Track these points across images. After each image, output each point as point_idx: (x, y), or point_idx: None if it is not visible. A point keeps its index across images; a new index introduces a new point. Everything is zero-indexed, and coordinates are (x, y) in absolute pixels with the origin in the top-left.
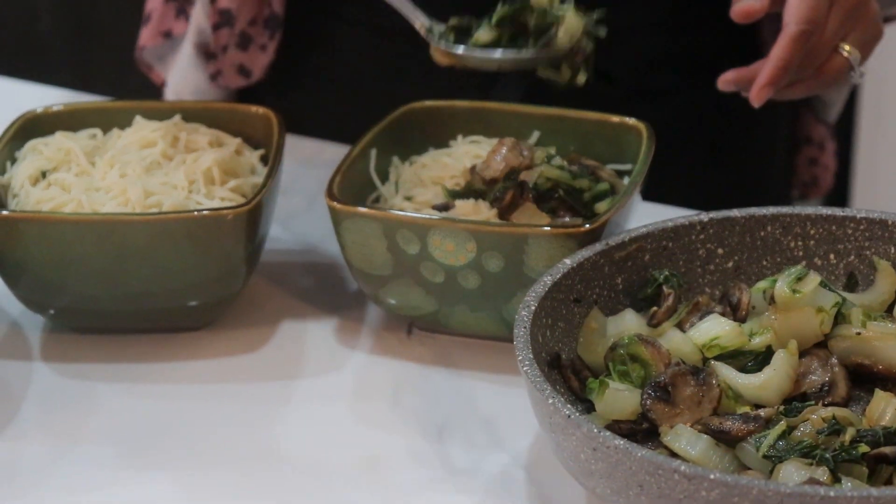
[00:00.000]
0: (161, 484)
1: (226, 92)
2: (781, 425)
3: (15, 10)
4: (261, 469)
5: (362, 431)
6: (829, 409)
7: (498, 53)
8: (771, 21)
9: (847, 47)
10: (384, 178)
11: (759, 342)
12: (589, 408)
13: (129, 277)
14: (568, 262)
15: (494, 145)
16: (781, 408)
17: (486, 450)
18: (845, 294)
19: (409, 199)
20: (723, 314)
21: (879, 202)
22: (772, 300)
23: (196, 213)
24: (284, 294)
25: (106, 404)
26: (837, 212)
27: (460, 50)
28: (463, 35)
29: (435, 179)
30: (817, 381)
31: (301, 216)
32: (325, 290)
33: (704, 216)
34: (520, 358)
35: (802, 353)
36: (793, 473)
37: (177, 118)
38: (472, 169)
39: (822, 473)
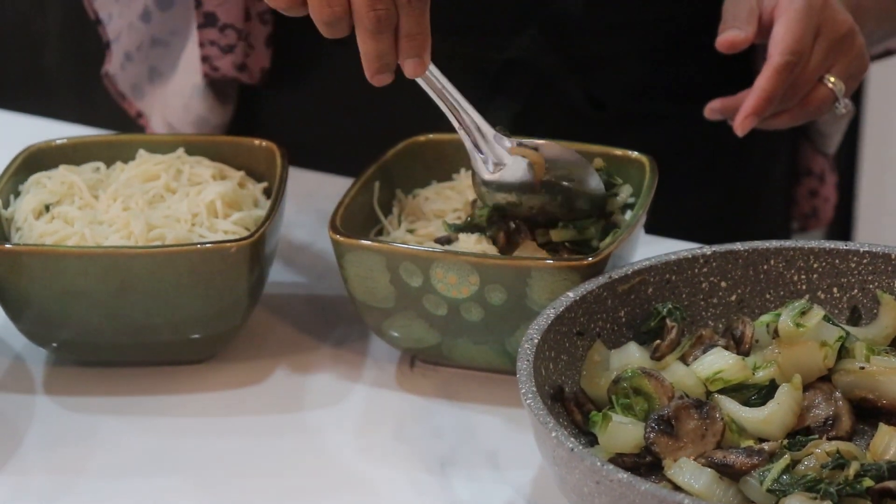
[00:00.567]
0: None
1: (226, 120)
2: (785, 459)
3: (19, 44)
4: (263, 501)
5: (365, 464)
6: (833, 443)
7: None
8: (764, 49)
9: (832, 79)
10: (387, 211)
11: (762, 376)
12: (592, 441)
13: (132, 310)
14: (571, 294)
15: None
16: (785, 442)
17: (489, 483)
18: (848, 328)
19: (411, 231)
20: (726, 348)
21: (883, 235)
22: (775, 334)
23: (199, 246)
24: (287, 327)
25: (109, 437)
26: (840, 245)
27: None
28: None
29: (437, 213)
30: (821, 415)
31: (304, 249)
32: (328, 323)
33: (707, 249)
34: (523, 391)
35: (806, 387)
36: None
37: (180, 151)
38: (474, 203)
39: None
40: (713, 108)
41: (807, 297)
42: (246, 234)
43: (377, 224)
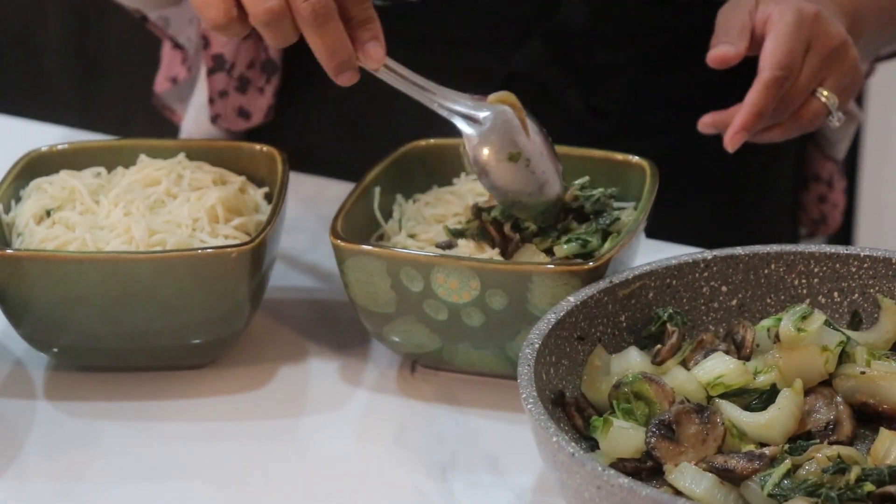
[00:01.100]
0: None
1: (231, 132)
2: (786, 464)
3: (21, 49)
4: None
5: (366, 469)
6: (834, 447)
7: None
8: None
9: (825, 92)
10: (388, 216)
11: (763, 380)
12: (593, 446)
13: (133, 315)
14: (571, 299)
15: None
16: (786, 446)
17: (490, 487)
18: (849, 332)
19: (412, 236)
20: (727, 352)
21: (883, 240)
22: (776, 339)
23: (200, 251)
24: (288, 332)
25: (109, 442)
26: (841, 250)
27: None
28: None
29: (438, 217)
30: (822, 419)
31: (305, 254)
32: (329, 328)
33: (708, 254)
34: (524, 396)
35: (807, 392)
36: None
37: (181, 157)
38: (475, 207)
39: None
40: (705, 123)
41: (807, 301)
42: (247, 239)
43: (378, 229)
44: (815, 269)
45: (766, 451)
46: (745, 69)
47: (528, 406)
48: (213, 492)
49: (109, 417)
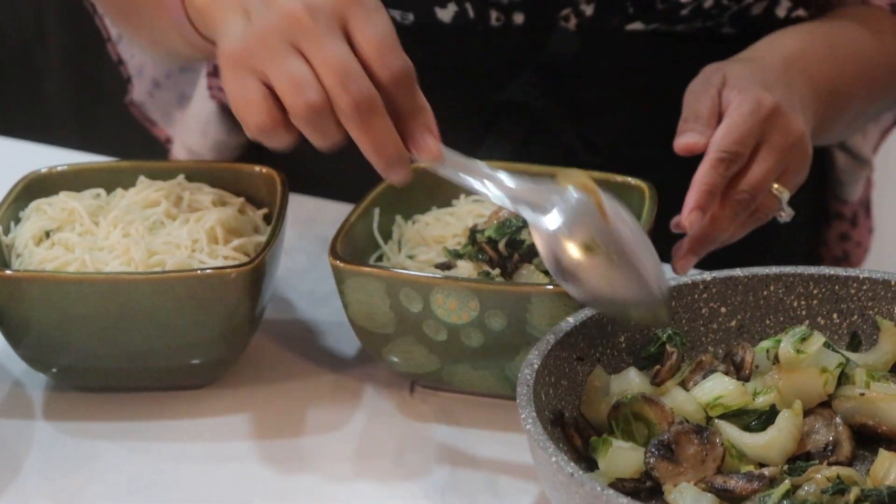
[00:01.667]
0: None
1: (244, 141)
2: (786, 485)
3: (20, 71)
4: None
5: (365, 489)
6: (834, 468)
7: None
8: None
9: (776, 185)
10: (387, 237)
11: (762, 401)
12: (592, 466)
13: (133, 336)
14: (571, 320)
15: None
16: (785, 467)
17: None
18: (849, 354)
19: (411, 257)
20: (726, 373)
21: (882, 262)
22: (776, 360)
23: (199, 272)
24: (287, 353)
25: (108, 463)
26: (840, 271)
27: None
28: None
29: (437, 238)
30: (821, 440)
31: (304, 275)
32: (328, 349)
33: (707, 275)
34: (523, 416)
35: (806, 413)
36: None
37: (180, 178)
38: (473, 229)
39: None
40: (674, 224)
41: (807, 322)
42: (246, 260)
43: (377, 250)
44: (815, 291)
45: (766, 471)
46: None
47: (528, 426)
48: None
49: (108, 438)
